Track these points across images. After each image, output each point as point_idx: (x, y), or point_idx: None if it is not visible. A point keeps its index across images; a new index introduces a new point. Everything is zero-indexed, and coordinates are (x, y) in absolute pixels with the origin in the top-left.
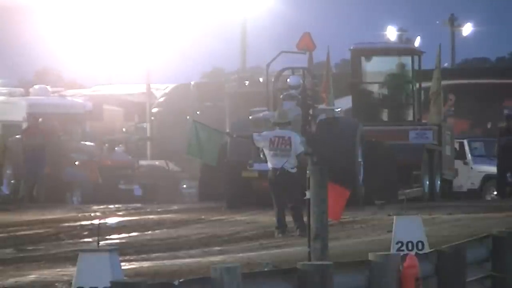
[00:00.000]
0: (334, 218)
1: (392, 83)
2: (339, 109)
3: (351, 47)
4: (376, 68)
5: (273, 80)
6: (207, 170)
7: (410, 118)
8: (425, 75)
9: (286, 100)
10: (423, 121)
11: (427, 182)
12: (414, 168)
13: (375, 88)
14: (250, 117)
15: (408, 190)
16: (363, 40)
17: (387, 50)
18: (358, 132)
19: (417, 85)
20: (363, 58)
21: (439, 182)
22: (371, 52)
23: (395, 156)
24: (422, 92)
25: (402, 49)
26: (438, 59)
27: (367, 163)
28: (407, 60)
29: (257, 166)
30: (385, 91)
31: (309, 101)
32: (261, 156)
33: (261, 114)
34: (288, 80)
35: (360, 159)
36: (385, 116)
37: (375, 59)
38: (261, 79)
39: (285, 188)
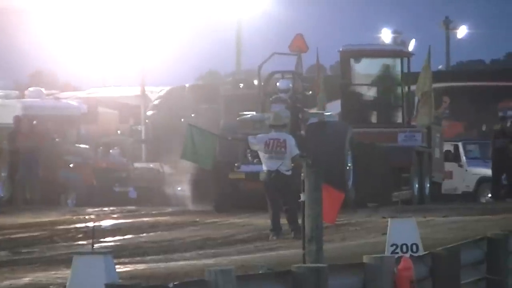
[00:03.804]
0: (329, 221)
1: (381, 85)
2: (329, 113)
3: (340, 49)
4: (366, 70)
5: (262, 83)
6: (197, 173)
7: (399, 120)
8: (416, 77)
9: (275, 103)
10: (413, 123)
11: (417, 185)
12: (404, 171)
13: (364, 90)
14: (237, 119)
15: (397, 193)
16: (358, 42)
17: (376, 52)
18: (348, 136)
19: (406, 87)
20: (352, 60)
21: (428, 185)
22: (360, 53)
23: (387, 158)
24: (415, 94)
25: (391, 51)
26: (428, 59)
27: (360, 166)
28: (396, 62)
29: (244, 168)
30: (374, 93)
31: (298, 105)
32: (249, 157)
33: (248, 116)
34: (278, 83)
35: (349, 163)
36: (374, 118)
37: (365, 61)
38: (255, 82)
39: (280, 191)
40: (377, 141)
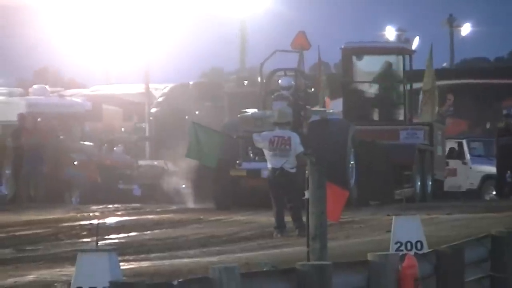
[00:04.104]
0: (333, 219)
1: (383, 83)
2: (332, 111)
3: (342, 46)
4: (367, 67)
5: (264, 81)
6: (198, 170)
7: (401, 118)
8: (418, 75)
9: (276, 100)
10: (415, 120)
11: (419, 183)
12: (406, 168)
13: (366, 88)
14: (238, 116)
15: (399, 191)
16: (362, 40)
17: (377, 49)
18: (350, 134)
19: (408, 85)
20: (354, 57)
21: (430, 183)
22: (361, 51)
23: (389, 156)
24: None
25: (392, 48)
26: (430, 57)
27: (362, 164)
28: (398, 59)
29: (245, 165)
30: (376, 90)
31: (300, 102)
32: (250, 154)
33: (249, 113)
34: (279, 81)
35: (352, 161)
36: (376, 115)
37: (366, 58)
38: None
39: (284, 188)
40: (379, 138)
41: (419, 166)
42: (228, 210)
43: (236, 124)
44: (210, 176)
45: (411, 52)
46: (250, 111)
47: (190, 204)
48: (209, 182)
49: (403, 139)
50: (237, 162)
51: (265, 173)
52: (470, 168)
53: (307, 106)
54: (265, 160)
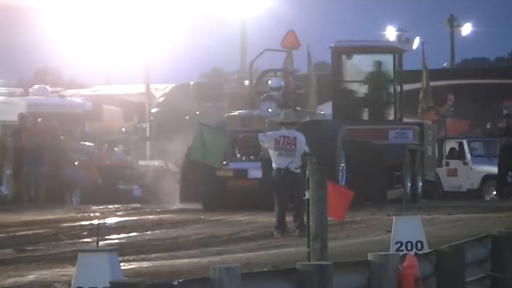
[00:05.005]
0: (337, 218)
1: (373, 82)
2: (323, 112)
3: (331, 45)
4: (357, 66)
5: (254, 82)
6: (185, 171)
7: (391, 117)
8: (414, 75)
9: (265, 101)
10: (405, 120)
11: (409, 183)
12: (396, 169)
13: (356, 87)
14: (225, 115)
15: (390, 191)
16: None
17: (367, 48)
18: (340, 135)
19: (399, 84)
20: (343, 56)
21: (420, 183)
22: (351, 50)
23: (383, 156)
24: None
25: (382, 47)
26: (423, 57)
27: (354, 164)
28: (388, 58)
29: (232, 165)
30: (366, 89)
31: (290, 103)
32: (237, 154)
33: (237, 113)
34: (269, 82)
35: (342, 163)
36: (365, 115)
37: (356, 57)
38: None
39: (288, 188)
40: (369, 138)
41: (410, 166)
42: (229, 211)
43: (224, 123)
44: (197, 176)
45: (401, 51)
46: (239, 111)
47: (177, 204)
48: (196, 182)
49: (392, 139)
50: (224, 162)
51: (251, 173)
52: (471, 168)
53: (297, 108)
54: (252, 160)
